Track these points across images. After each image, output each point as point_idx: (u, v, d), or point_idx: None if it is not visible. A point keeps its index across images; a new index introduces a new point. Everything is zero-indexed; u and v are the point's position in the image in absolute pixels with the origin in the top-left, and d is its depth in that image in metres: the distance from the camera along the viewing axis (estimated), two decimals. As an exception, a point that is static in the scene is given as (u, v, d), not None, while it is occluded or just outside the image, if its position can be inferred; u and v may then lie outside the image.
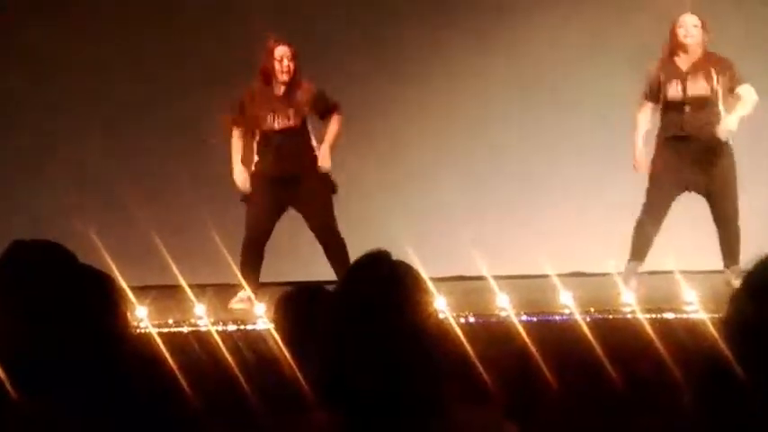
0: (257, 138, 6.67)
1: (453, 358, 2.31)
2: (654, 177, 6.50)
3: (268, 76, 6.58)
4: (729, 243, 6.43)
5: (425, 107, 7.98)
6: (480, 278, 6.06)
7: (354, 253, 2.93)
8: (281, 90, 6.59)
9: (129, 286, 3.66)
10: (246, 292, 6.40)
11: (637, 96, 6.59)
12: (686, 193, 6.51)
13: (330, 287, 2.35)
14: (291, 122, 6.59)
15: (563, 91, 7.76)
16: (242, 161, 6.69)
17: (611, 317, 5.43)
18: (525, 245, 7.31)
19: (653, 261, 6.44)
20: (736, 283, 6.71)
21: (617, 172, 6.98)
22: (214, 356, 5.20)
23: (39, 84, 8.03)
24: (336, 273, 6.39)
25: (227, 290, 6.63)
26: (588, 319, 5.30)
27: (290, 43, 6.57)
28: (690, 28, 6.43)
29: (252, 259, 6.62)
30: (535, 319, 5.39)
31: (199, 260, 6.73)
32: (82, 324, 2.07)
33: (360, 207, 7.12)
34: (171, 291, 6.36)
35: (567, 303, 5.56)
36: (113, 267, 4.81)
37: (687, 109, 6.40)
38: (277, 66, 6.53)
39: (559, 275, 6.00)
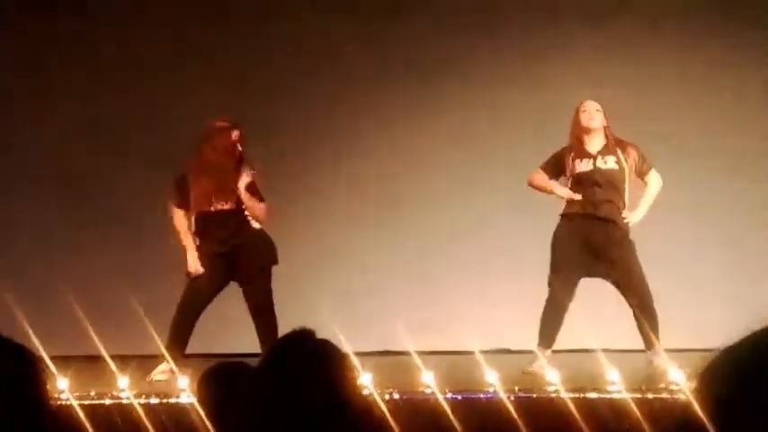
0: (195, 216, 6.66)
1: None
2: (555, 266, 6.54)
3: (216, 156, 6.56)
4: (644, 328, 6.47)
5: (352, 183, 8.03)
6: (406, 353, 6.05)
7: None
8: (224, 171, 6.58)
9: (49, 356, 3.60)
10: (169, 364, 6.32)
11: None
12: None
13: (253, 363, 2.35)
14: (231, 204, 6.58)
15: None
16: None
17: (535, 395, 5.44)
18: (452, 321, 7.33)
19: (576, 340, 6.47)
20: (659, 362, 6.69)
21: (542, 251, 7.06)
22: (137, 430, 5.12)
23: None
24: (263, 349, 6.35)
25: (151, 361, 6.54)
26: (512, 398, 5.30)
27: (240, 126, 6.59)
28: (593, 112, 6.57)
29: (184, 327, 6.56)
30: (460, 396, 5.39)
31: (122, 330, 6.63)
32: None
33: (286, 284, 7.09)
34: (93, 361, 6.26)
35: (492, 381, 5.56)
36: (33, 337, 4.75)
37: (596, 185, 6.50)
38: (230, 147, 6.54)
39: (484, 352, 6.01)
